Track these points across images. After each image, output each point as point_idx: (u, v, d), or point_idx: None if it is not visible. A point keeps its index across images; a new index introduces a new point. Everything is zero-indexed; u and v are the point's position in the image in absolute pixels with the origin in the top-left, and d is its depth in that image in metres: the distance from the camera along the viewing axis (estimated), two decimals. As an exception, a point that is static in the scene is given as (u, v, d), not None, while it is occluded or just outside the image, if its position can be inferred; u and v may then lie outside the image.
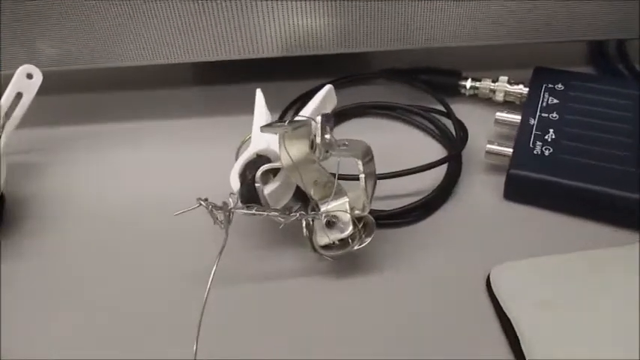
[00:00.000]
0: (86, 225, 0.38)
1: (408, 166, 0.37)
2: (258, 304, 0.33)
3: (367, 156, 0.31)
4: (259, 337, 0.31)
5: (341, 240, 0.31)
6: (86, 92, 0.50)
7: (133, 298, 0.34)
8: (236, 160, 0.35)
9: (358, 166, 0.30)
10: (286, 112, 0.44)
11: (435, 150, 0.41)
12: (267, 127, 0.30)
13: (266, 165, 0.31)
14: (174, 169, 0.42)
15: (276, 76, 0.48)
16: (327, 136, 0.30)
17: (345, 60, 0.50)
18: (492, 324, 0.31)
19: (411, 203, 0.36)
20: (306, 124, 0.29)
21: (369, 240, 0.32)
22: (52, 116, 0.46)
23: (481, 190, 0.38)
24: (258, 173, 0.31)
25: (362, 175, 0.30)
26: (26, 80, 0.39)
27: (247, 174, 0.32)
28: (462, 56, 0.48)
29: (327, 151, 0.30)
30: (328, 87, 0.37)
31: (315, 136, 0.29)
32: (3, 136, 0.38)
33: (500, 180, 0.38)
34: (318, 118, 0.29)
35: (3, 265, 0.35)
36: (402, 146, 0.42)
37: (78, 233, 0.38)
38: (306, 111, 0.35)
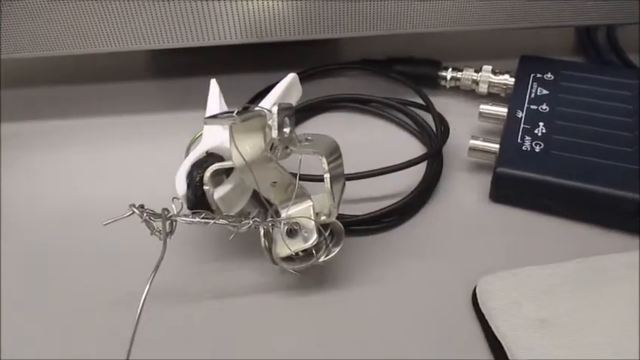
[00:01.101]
0: (14, 233, 0.33)
1: (383, 165, 0.33)
2: (209, 325, 0.28)
3: (334, 154, 0.26)
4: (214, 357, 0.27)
5: (304, 251, 0.27)
6: (27, 85, 0.45)
7: (59, 322, 0.29)
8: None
9: (323, 165, 0.26)
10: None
11: (413, 147, 0.37)
12: (212, 119, 0.25)
13: (215, 165, 0.27)
14: (119, 169, 0.37)
15: (240, 67, 0.44)
16: (286, 130, 0.26)
17: (314, 50, 0.46)
18: (479, 345, 0.27)
19: (386, 207, 0.32)
20: (259, 114, 0.25)
21: (337, 250, 0.27)
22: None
23: (464, 191, 0.34)
24: (207, 174, 0.27)
25: (327, 175, 0.26)
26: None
27: (195, 175, 0.27)
28: (440, 46, 0.44)
29: (286, 148, 0.26)
30: (292, 75, 0.32)
31: (270, 129, 0.25)
32: None
33: (486, 179, 0.34)
34: (274, 108, 0.25)
35: None
36: (377, 143, 0.37)
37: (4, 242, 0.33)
38: (267, 103, 0.31)
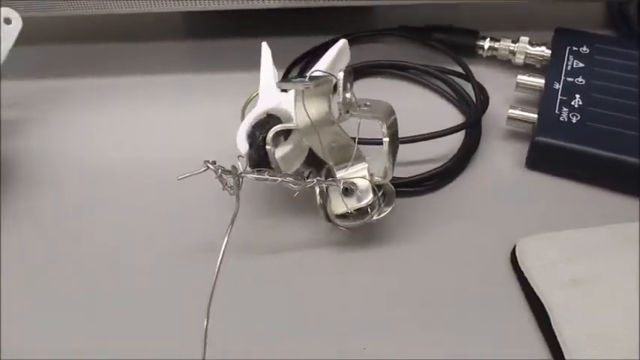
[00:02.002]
0: (78, 189, 0.35)
1: (422, 131, 0.34)
2: (267, 276, 0.30)
3: (390, 118, 0.28)
4: (267, 310, 0.29)
5: (358, 209, 0.29)
6: (72, 42, 0.45)
7: (133, 269, 0.31)
8: (242, 120, 0.32)
9: (382, 130, 0.27)
10: (290, 70, 0.41)
11: (450, 114, 0.39)
12: (286, 83, 0.27)
13: (279, 125, 0.28)
14: (173, 128, 0.38)
15: (278, 31, 0.45)
16: (348, 95, 0.27)
17: (352, 16, 0.46)
18: (518, 299, 0.29)
19: (428, 171, 0.34)
20: (327, 80, 0.26)
21: (388, 210, 0.29)
22: (34, 68, 0.42)
23: (500, 158, 0.36)
24: (270, 135, 0.28)
25: (386, 140, 0.27)
26: (4, 26, 0.35)
27: (257, 135, 0.29)
28: (473, 15, 0.45)
29: (347, 112, 0.27)
30: (343, 41, 0.33)
31: (335, 94, 0.26)
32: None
33: (520, 147, 0.36)
34: (340, 74, 0.26)
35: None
36: (415, 110, 0.39)
37: (69, 198, 0.34)
38: (319, 67, 0.32)
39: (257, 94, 0.32)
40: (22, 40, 0.35)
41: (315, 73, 0.27)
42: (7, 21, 0.35)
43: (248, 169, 0.28)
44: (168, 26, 0.47)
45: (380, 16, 0.47)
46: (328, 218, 0.30)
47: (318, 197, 0.29)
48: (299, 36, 0.44)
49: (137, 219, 0.33)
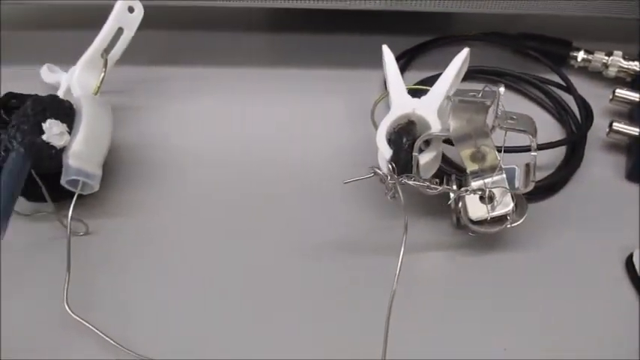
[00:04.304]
0: (193, 176, 0.36)
1: (518, 140, 0.35)
2: (382, 278, 0.31)
3: (536, 131, 0.29)
4: (385, 310, 0.30)
5: (493, 217, 0.30)
6: (185, 30, 0.46)
7: (240, 257, 0.32)
8: (373, 121, 0.33)
9: (531, 144, 0.28)
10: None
11: (548, 124, 0.40)
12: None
13: (431, 133, 0.29)
14: (278, 120, 0.39)
15: (358, 29, 0.46)
16: (500, 109, 0.28)
17: (434, 19, 0.47)
18: (634, 304, 0.31)
19: (538, 180, 0.35)
20: (493, 97, 0.27)
21: (522, 220, 0.31)
22: (146, 55, 0.42)
23: (602, 169, 0.37)
24: (419, 141, 0.29)
25: (534, 153, 0.28)
26: (127, 14, 0.35)
27: (404, 141, 0.29)
28: (558, 25, 0.46)
29: (497, 124, 0.29)
30: (466, 50, 0.34)
31: (492, 107, 0.27)
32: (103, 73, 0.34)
33: (618, 159, 0.37)
34: (501, 89, 0.27)
35: (100, 219, 0.33)
36: (512, 117, 0.40)
37: (185, 185, 0.35)
38: (448, 76, 0.33)
39: (383, 97, 0.33)
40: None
41: (486, 89, 0.28)
42: (131, 9, 0.35)
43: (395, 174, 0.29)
44: (249, 19, 0.47)
45: (462, 20, 0.48)
46: (459, 223, 0.31)
47: (453, 203, 0.30)
48: (379, 35, 0.45)
49: (246, 210, 0.34)
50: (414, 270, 0.32)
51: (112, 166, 0.34)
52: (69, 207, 0.30)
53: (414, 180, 0.28)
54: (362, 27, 0.46)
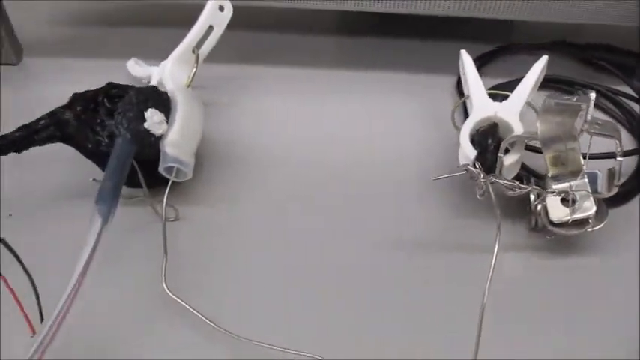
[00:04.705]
0: (273, 171, 0.37)
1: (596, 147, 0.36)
2: (461, 274, 0.32)
3: (620, 137, 0.30)
4: (456, 308, 0.31)
5: (575, 220, 0.31)
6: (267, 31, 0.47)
7: (321, 254, 0.33)
8: (453, 122, 0.34)
9: (618, 149, 0.29)
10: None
11: (618, 133, 0.40)
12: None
13: (519, 135, 0.30)
14: (353, 120, 0.41)
15: (420, 35, 0.47)
16: (588, 114, 0.29)
17: (494, 26, 0.48)
18: None
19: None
20: (586, 100, 0.28)
21: (602, 224, 0.31)
22: (228, 53, 0.43)
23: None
24: (506, 143, 0.30)
25: (620, 159, 0.29)
26: (218, 13, 0.36)
27: (489, 142, 0.30)
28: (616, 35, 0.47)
29: (585, 129, 0.29)
30: (544, 58, 0.35)
31: (583, 113, 0.28)
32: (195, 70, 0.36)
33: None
34: (592, 95, 0.28)
35: (188, 206, 0.34)
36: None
37: (264, 179, 0.36)
38: (529, 81, 0.34)
39: (463, 99, 0.34)
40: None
41: (579, 94, 0.29)
42: (221, 8, 0.37)
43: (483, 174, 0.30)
44: (321, 22, 0.49)
45: (520, 29, 0.49)
46: (536, 226, 0.32)
47: (533, 205, 0.31)
48: (439, 41, 0.46)
49: (322, 206, 0.35)
50: (482, 269, 0.33)
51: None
52: (159, 194, 0.32)
53: (504, 180, 0.29)
54: (425, 33, 0.47)
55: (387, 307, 0.31)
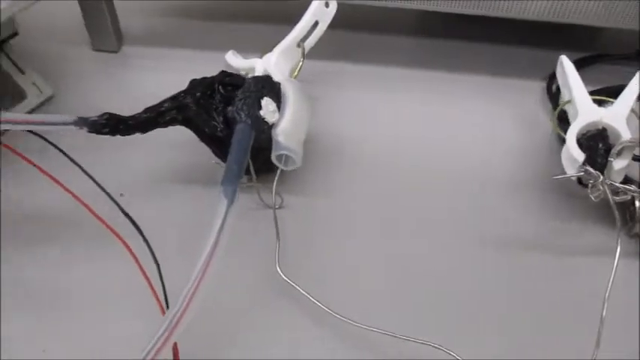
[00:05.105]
0: (367, 165, 0.38)
1: None
2: (553, 277, 0.33)
3: None
4: (558, 310, 0.31)
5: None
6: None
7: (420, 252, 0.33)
8: (555, 126, 0.34)
9: None
10: (551, 83, 0.43)
11: None
12: None
13: (634, 140, 0.30)
14: (446, 121, 0.41)
15: (505, 39, 0.47)
16: None
17: (582, 35, 0.48)
18: None
19: None
20: None
21: None
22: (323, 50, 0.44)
23: None
24: (618, 147, 0.30)
25: None
26: (324, 9, 0.37)
27: (599, 147, 0.31)
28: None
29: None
30: (646, 70, 0.35)
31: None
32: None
33: None
34: None
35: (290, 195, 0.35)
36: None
37: (359, 173, 0.37)
38: (633, 89, 0.34)
39: (565, 103, 0.35)
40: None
41: None
42: (327, 4, 0.38)
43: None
44: (401, 22, 0.50)
45: (612, 38, 0.49)
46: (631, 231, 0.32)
47: (638, 210, 0.31)
48: (525, 47, 0.47)
49: (414, 203, 0.36)
50: (589, 274, 0.33)
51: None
52: (262, 181, 0.33)
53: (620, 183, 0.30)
54: (509, 40, 0.48)
55: (486, 303, 0.31)
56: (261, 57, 0.38)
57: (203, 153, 0.34)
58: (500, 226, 0.35)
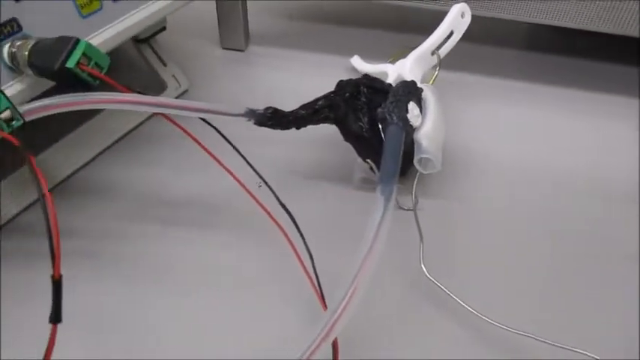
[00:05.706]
0: (493, 174, 0.39)
1: None
2: None
3: None
4: None
5: None
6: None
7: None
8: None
9: None
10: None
11: None
12: None
13: None
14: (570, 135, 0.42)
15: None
16: None
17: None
18: None
19: None
20: None
21: None
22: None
23: None
24: None
25: None
26: (460, 19, 0.38)
27: None
28: None
29: None
30: None
31: None
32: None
33: None
34: None
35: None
36: None
37: (484, 180, 0.38)
38: None
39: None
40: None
41: None
42: (462, 15, 0.38)
43: None
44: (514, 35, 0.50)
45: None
46: None
47: None
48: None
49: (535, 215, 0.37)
50: None
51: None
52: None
53: None
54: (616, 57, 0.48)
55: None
56: (391, 62, 0.39)
57: (335, 151, 0.36)
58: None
